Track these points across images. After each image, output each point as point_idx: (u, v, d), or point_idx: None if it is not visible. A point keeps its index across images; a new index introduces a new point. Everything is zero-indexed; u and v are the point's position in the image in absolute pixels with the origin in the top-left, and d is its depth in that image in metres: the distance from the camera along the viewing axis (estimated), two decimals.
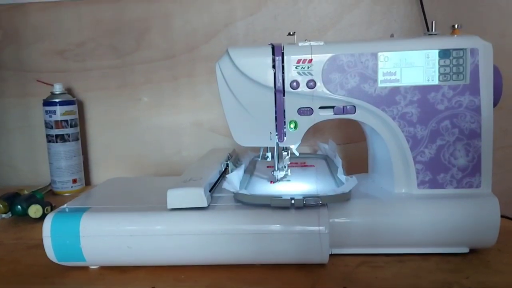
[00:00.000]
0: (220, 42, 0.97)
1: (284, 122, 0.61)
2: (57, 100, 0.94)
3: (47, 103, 0.95)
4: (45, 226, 0.57)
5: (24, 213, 0.79)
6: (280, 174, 0.66)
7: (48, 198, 0.91)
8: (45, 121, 0.96)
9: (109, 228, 0.56)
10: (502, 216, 0.57)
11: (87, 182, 1.04)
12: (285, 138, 0.62)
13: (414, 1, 0.91)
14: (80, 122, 1.01)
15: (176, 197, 0.57)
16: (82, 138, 1.03)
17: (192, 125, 1.01)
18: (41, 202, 0.80)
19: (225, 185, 0.61)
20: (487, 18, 0.90)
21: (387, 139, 0.61)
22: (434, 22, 0.64)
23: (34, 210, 0.78)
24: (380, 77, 0.59)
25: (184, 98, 1.00)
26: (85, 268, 0.59)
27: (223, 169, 0.73)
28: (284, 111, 0.61)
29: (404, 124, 0.60)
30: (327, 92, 0.60)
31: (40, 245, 0.57)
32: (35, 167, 1.07)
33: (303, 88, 0.60)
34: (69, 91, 1.01)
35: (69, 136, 0.96)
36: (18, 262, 0.62)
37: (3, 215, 0.81)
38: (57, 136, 0.95)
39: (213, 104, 0.99)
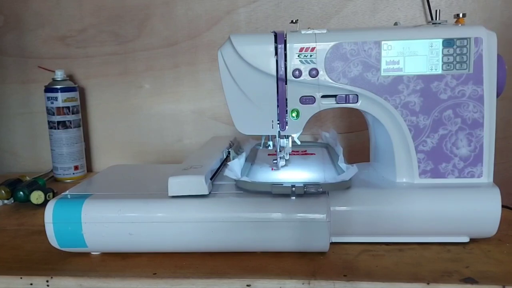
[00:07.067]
0: (222, 29, 0.96)
1: (286, 110, 0.61)
2: (58, 86, 0.94)
3: (48, 89, 0.95)
4: (47, 212, 0.57)
5: (26, 199, 0.80)
6: (281, 162, 0.67)
7: (50, 184, 0.91)
8: (46, 107, 0.96)
9: (111, 215, 0.56)
10: (503, 206, 0.57)
11: (89, 169, 1.04)
12: (287, 127, 0.62)
13: None
14: (82, 108, 1.01)
15: (177, 184, 0.57)
16: (84, 125, 1.03)
17: (194, 113, 1.01)
18: (43, 189, 0.80)
19: (227, 172, 0.61)
20: (492, 7, 0.89)
21: (389, 128, 0.61)
22: (438, 10, 0.63)
23: (36, 196, 0.79)
24: (383, 65, 0.59)
25: (186, 85, 1.00)
26: (87, 255, 0.59)
27: (225, 157, 0.73)
28: (286, 99, 0.61)
29: (406, 113, 0.59)
30: (330, 80, 0.60)
31: (42, 231, 0.57)
32: (36, 154, 1.07)
33: (305, 76, 0.60)
34: (70, 77, 1.01)
35: (70, 123, 0.96)
36: (20, 248, 0.62)
37: (5, 201, 0.81)
38: (58, 122, 0.95)
39: (214, 92, 0.99)
